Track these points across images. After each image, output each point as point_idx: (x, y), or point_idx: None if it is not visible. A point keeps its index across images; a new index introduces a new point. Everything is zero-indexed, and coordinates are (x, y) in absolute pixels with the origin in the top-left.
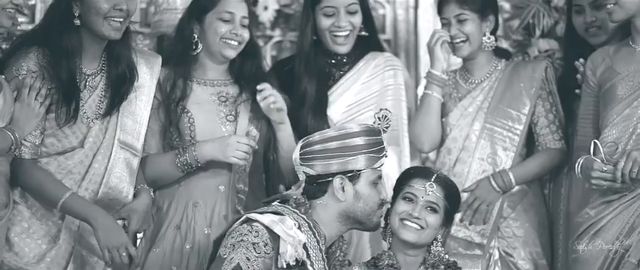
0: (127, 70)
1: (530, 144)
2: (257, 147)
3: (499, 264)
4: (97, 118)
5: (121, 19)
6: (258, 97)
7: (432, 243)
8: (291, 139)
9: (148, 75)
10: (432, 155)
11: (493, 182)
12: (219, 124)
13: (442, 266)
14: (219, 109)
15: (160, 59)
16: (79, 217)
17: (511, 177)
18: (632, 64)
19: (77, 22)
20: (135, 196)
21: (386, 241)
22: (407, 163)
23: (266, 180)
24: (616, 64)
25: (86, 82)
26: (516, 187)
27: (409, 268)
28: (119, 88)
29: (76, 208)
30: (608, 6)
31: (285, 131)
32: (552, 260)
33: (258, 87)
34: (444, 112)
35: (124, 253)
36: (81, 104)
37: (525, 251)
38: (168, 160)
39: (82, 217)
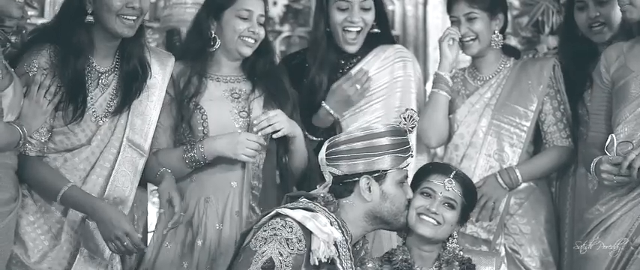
0: (139, 67)
1: (537, 142)
2: (266, 143)
3: (505, 261)
4: (106, 117)
5: (134, 17)
6: (255, 129)
7: (448, 239)
8: (304, 147)
9: (160, 75)
10: (439, 151)
11: (500, 179)
12: (232, 121)
13: (456, 263)
14: (232, 106)
15: (172, 59)
16: (79, 208)
17: (518, 174)
18: None
19: (90, 18)
20: (158, 182)
21: (402, 236)
22: (413, 158)
23: (280, 177)
24: (630, 62)
25: (99, 80)
26: (523, 184)
27: (423, 264)
28: (131, 85)
29: (75, 199)
30: (623, 5)
31: (295, 142)
32: (559, 258)
33: (255, 121)
34: (451, 109)
35: (126, 242)
36: (92, 102)
37: (532, 248)
38: (176, 155)
39: (82, 209)
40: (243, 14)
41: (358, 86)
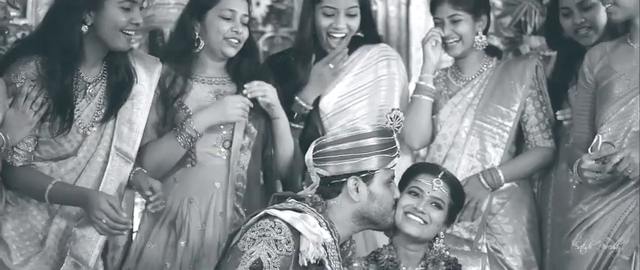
0: (126, 75)
1: (520, 142)
2: (252, 105)
3: (488, 260)
4: (92, 126)
5: (134, 32)
6: (245, 91)
7: (434, 239)
8: (288, 133)
9: (147, 83)
10: (422, 151)
11: (482, 179)
12: (217, 124)
13: (443, 262)
14: None
15: (159, 65)
16: (68, 202)
17: (500, 174)
18: (629, 62)
19: (84, 29)
20: (131, 182)
21: (388, 236)
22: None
23: (263, 178)
24: (613, 62)
25: (86, 90)
26: (505, 184)
27: (409, 263)
28: (118, 93)
29: (63, 193)
30: (607, 6)
31: (280, 126)
32: (541, 257)
33: (245, 86)
34: (434, 110)
35: (104, 220)
36: (78, 114)
37: (514, 248)
38: (169, 140)
39: (71, 201)
40: (226, 14)
41: (331, 65)
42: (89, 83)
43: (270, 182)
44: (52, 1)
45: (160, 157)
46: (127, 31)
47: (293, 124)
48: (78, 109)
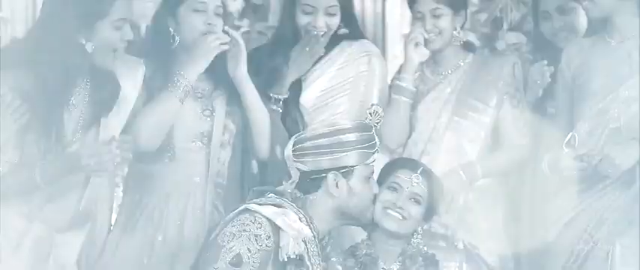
0: (110, 85)
1: (497, 138)
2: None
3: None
4: (74, 136)
5: (122, 48)
6: (224, 28)
7: (413, 235)
8: (259, 103)
9: (130, 85)
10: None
11: (462, 173)
12: (195, 119)
13: (420, 258)
14: (194, 104)
15: (142, 67)
16: (62, 172)
17: (478, 170)
18: (607, 58)
19: (90, 47)
20: None
21: (366, 231)
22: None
23: (241, 175)
24: (591, 59)
25: (69, 100)
26: (482, 180)
27: (387, 259)
28: (102, 104)
29: (52, 167)
30: (583, 3)
31: (247, 94)
32: (518, 252)
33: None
34: (411, 105)
35: (97, 165)
36: (62, 126)
37: (490, 243)
38: (163, 98)
39: (64, 171)
40: (198, 7)
41: (307, 49)
42: (72, 94)
43: (247, 165)
44: (40, 16)
45: (155, 119)
46: (118, 48)
47: (272, 107)
48: (61, 123)
